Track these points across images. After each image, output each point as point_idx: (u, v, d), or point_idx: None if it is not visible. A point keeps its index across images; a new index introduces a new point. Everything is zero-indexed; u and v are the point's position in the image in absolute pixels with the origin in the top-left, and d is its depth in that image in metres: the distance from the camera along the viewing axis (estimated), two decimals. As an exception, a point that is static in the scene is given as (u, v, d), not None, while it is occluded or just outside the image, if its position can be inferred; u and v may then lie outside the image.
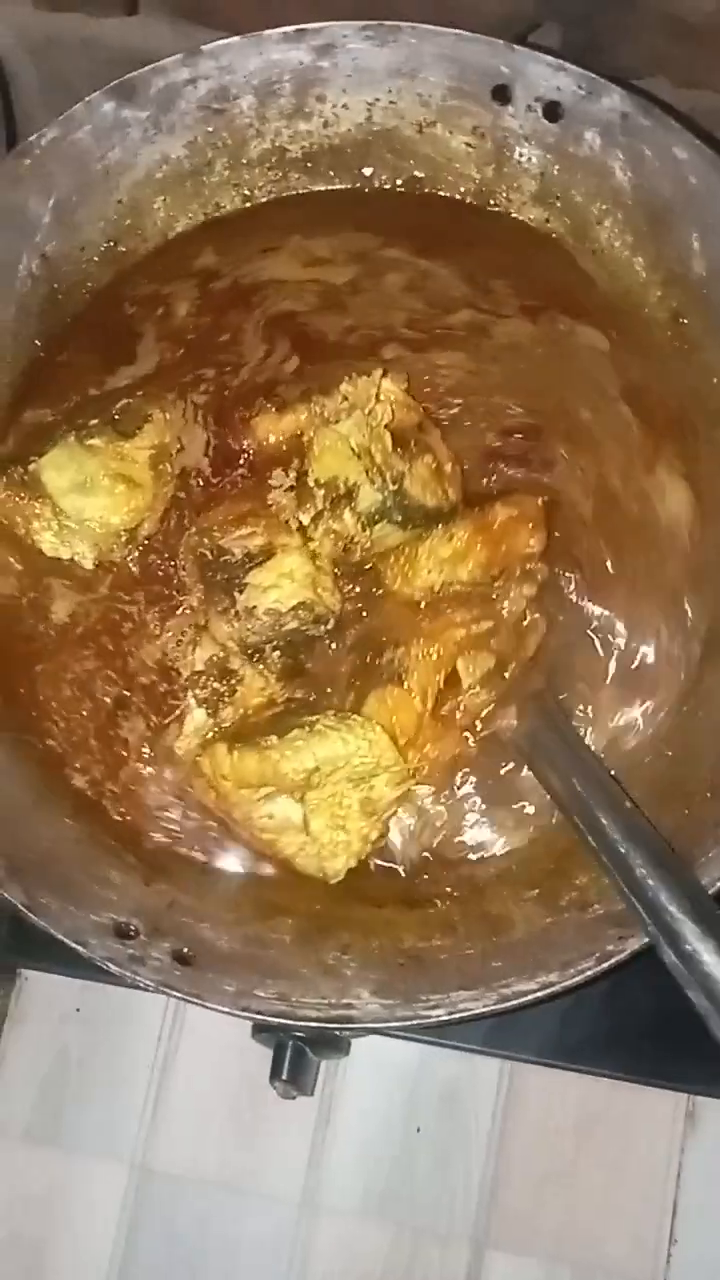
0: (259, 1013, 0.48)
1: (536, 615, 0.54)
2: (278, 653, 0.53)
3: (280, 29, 0.57)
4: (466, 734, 0.53)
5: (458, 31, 0.56)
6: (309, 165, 0.62)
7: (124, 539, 0.55)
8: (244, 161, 0.61)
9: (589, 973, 0.47)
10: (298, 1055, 0.67)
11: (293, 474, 0.55)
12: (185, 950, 0.50)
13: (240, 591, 0.52)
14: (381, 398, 0.54)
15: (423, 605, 0.53)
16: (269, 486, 0.55)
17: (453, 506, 0.54)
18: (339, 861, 0.52)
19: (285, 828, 0.52)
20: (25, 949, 0.75)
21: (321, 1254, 0.79)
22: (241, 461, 0.57)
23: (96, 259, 0.61)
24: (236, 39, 0.57)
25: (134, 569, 0.56)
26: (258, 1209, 0.79)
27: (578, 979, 0.47)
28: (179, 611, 0.55)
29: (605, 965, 0.47)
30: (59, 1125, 0.81)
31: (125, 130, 0.58)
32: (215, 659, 0.53)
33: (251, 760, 0.50)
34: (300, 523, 0.54)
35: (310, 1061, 0.68)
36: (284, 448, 0.55)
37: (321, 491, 0.53)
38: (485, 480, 0.57)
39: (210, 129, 0.60)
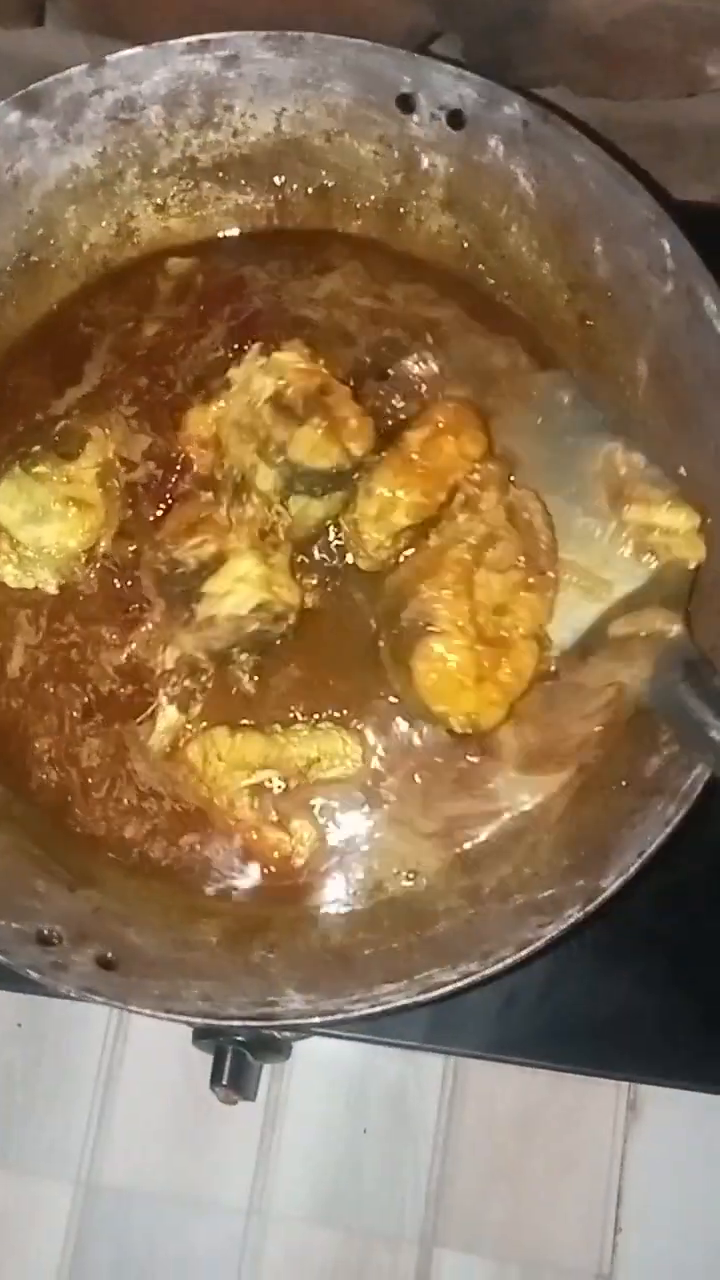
0: (183, 1014, 0.48)
1: (523, 495, 0.54)
2: (244, 655, 0.55)
3: (185, 39, 0.58)
4: (533, 641, 0.52)
5: (360, 41, 0.57)
6: (220, 174, 0.63)
7: (83, 559, 0.57)
8: (155, 171, 0.62)
9: (508, 960, 0.48)
10: (238, 1060, 0.67)
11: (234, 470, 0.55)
12: (109, 955, 0.50)
13: (198, 602, 0.54)
14: (266, 372, 0.54)
15: (402, 558, 0.54)
16: (210, 489, 0.56)
17: (356, 461, 0.54)
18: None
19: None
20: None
21: (272, 1261, 0.79)
22: (180, 466, 0.58)
23: (9, 269, 0.61)
24: (141, 49, 0.58)
25: (94, 588, 0.57)
26: (206, 1219, 0.79)
27: (497, 967, 0.48)
28: (142, 624, 0.56)
29: (524, 953, 0.48)
30: (4, 1144, 0.80)
31: (33, 140, 0.58)
32: (185, 657, 0.55)
33: (257, 742, 0.53)
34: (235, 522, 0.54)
35: (251, 1066, 0.68)
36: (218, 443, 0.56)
37: (230, 482, 0.53)
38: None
39: (119, 139, 0.60)
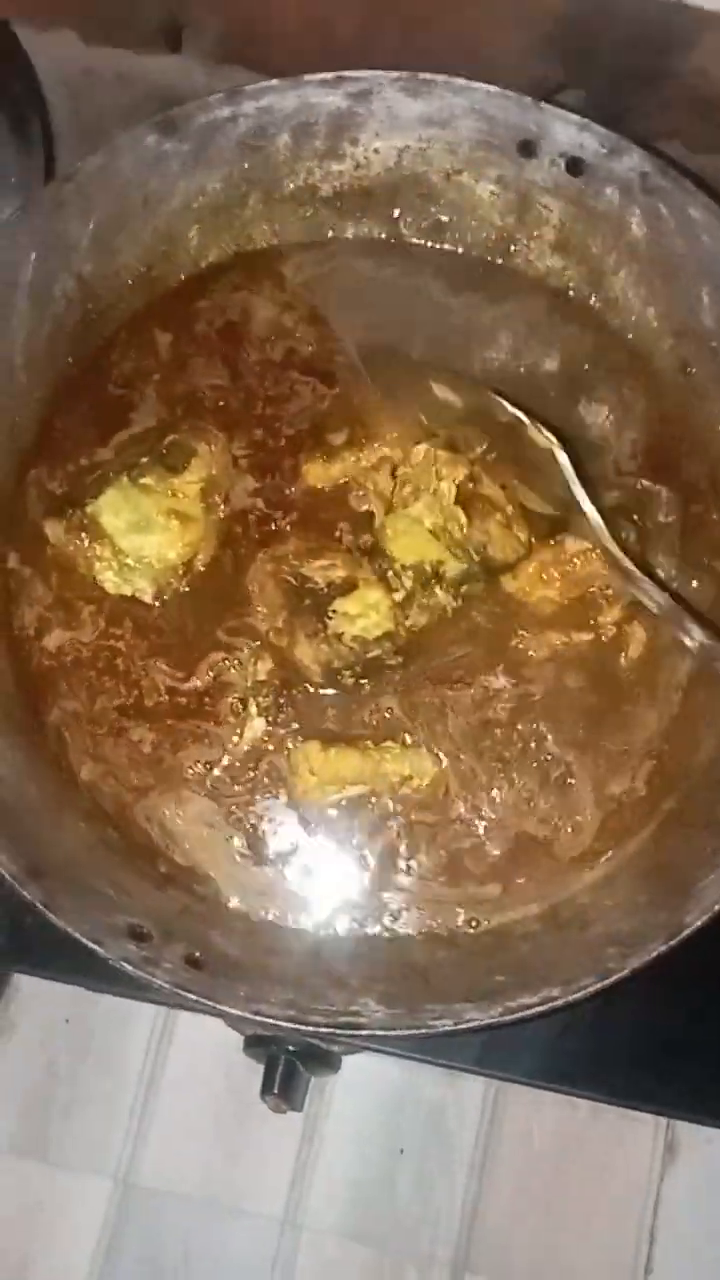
0: (270, 1017, 0.49)
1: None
2: (353, 678, 0.56)
3: (320, 74, 0.60)
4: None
5: (489, 87, 0.59)
6: (339, 205, 0.65)
7: (180, 572, 0.58)
8: (276, 197, 0.64)
9: (591, 988, 0.49)
10: (289, 1070, 0.68)
11: (364, 537, 0.58)
12: (196, 954, 0.51)
13: (330, 617, 0.55)
14: (443, 475, 0.57)
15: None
16: (332, 531, 0.58)
17: (526, 547, 0.57)
18: None
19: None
20: (22, 954, 0.76)
21: (302, 1272, 0.79)
22: (290, 500, 0.60)
23: (131, 283, 0.63)
24: (277, 81, 0.60)
25: (188, 599, 0.58)
26: (240, 1226, 0.80)
27: (580, 994, 0.49)
28: (236, 632, 0.58)
29: (607, 981, 0.49)
30: (45, 1138, 0.81)
31: (165, 162, 0.60)
32: (276, 672, 0.56)
33: (352, 758, 0.54)
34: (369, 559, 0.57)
35: (302, 1077, 0.69)
36: (331, 490, 0.59)
37: (409, 573, 0.56)
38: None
39: (246, 165, 0.62)
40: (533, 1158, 0.81)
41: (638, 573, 0.53)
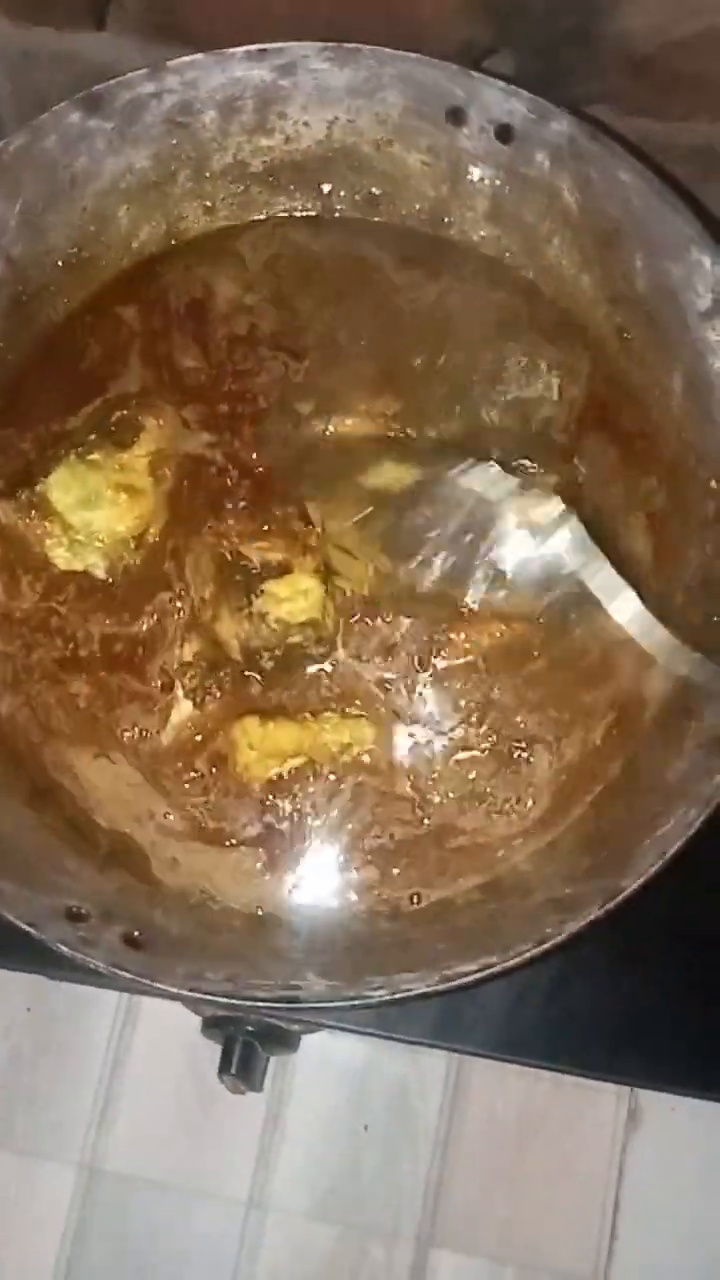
0: (208, 992, 0.49)
1: None
2: (272, 662, 0.56)
3: (244, 48, 0.59)
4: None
5: (415, 55, 0.59)
6: (270, 179, 0.64)
7: (132, 545, 0.58)
8: (206, 174, 0.63)
9: (527, 954, 0.49)
10: (247, 1050, 0.68)
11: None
12: (135, 934, 0.51)
13: (257, 596, 0.55)
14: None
15: None
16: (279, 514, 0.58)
17: None
18: None
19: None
20: (-23, 944, 0.75)
21: (269, 1254, 0.80)
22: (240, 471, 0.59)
23: (61, 264, 0.62)
24: (201, 55, 0.59)
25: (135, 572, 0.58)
26: (206, 1209, 0.80)
27: (516, 960, 0.48)
28: (172, 610, 0.57)
29: (544, 947, 0.49)
30: (9, 1127, 0.81)
31: (91, 140, 0.60)
32: (203, 653, 0.56)
33: (291, 730, 0.54)
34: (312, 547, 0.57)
35: (259, 1057, 0.69)
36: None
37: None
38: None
39: (174, 142, 0.61)
40: (496, 1131, 0.81)
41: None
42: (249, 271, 0.64)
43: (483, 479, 0.56)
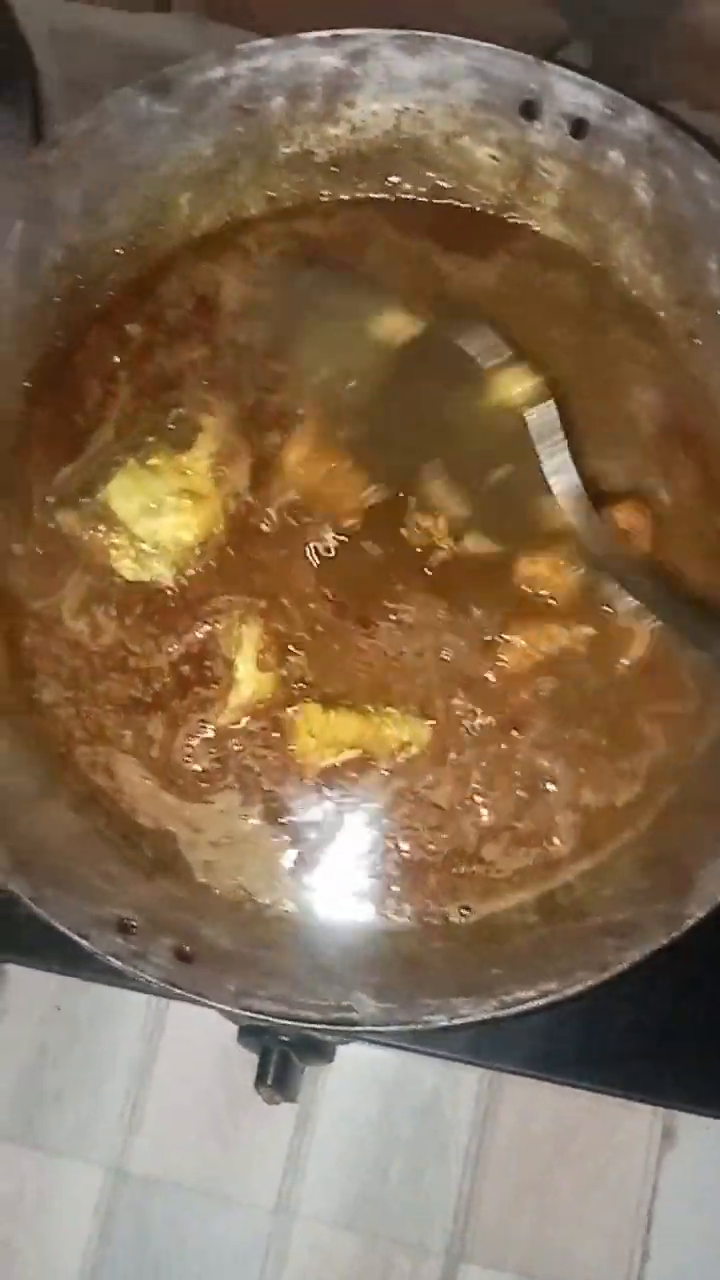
0: (261, 1012, 0.48)
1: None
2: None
3: (316, 33, 0.57)
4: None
5: (490, 45, 0.57)
6: (334, 170, 0.62)
7: (197, 552, 0.56)
8: (270, 164, 0.62)
9: (589, 982, 0.47)
10: (283, 1061, 0.66)
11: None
12: (185, 948, 0.50)
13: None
14: None
15: None
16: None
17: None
18: None
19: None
20: (12, 944, 0.74)
21: (295, 1261, 0.79)
22: None
23: (120, 252, 0.61)
24: (271, 40, 0.57)
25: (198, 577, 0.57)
26: (232, 1214, 0.79)
27: (577, 988, 0.47)
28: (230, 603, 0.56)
29: (605, 975, 0.47)
30: (35, 1125, 0.80)
31: (155, 125, 0.58)
32: (265, 634, 0.55)
33: (352, 721, 0.53)
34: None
35: (296, 1068, 0.68)
36: None
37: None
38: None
39: (240, 129, 0.60)
40: (528, 1145, 0.80)
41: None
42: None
43: (479, 343, 0.55)
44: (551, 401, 0.55)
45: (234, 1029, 0.65)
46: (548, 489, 0.55)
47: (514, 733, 0.55)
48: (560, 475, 0.54)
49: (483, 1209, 0.79)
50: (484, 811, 0.55)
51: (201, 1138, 0.80)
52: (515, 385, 0.56)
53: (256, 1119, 0.79)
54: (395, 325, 0.58)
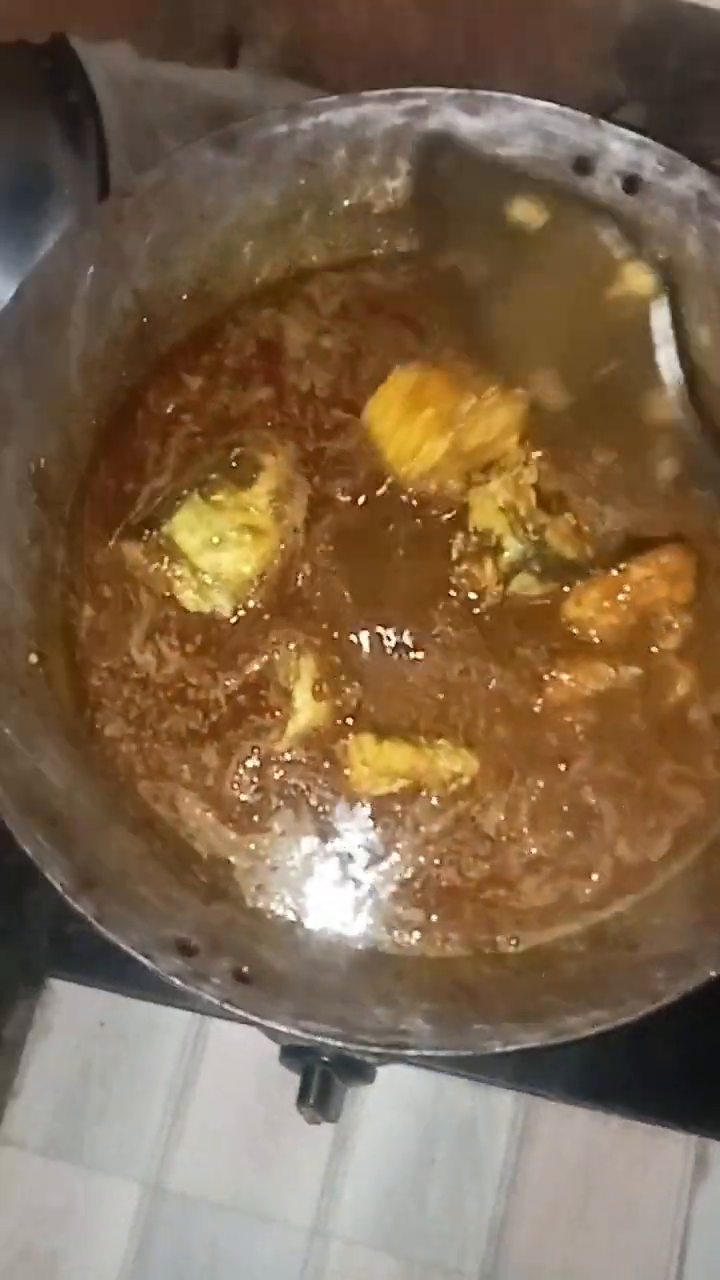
0: (318, 1034, 0.49)
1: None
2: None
3: (378, 91, 0.60)
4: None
5: (546, 104, 0.59)
6: (391, 222, 0.65)
7: (256, 585, 0.58)
8: (331, 214, 0.64)
9: (640, 1012, 0.49)
10: (325, 1081, 0.68)
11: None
12: (244, 969, 0.51)
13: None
14: (529, 464, 0.58)
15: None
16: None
17: (590, 561, 0.58)
18: None
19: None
20: (61, 960, 0.77)
21: (331, 1282, 0.80)
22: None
23: (185, 297, 0.63)
24: (335, 98, 0.60)
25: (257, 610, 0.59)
26: (269, 1233, 0.80)
27: (629, 1017, 0.49)
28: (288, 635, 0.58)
29: (656, 1005, 0.49)
30: (78, 1140, 0.82)
31: (222, 177, 0.61)
32: (321, 666, 0.57)
33: (405, 752, 0.55)
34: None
35: (338, 1088, 0.69)
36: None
37: (472, 537, 0.58)
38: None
39: (302, 181, 0.62)
40: (563, 1171, 0.81)
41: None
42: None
43: (607, 234, 0.57)
44: (667, 297, 0.56)
45: (275, 1048, 0.67)
46: (651, 383, 0.57)
47: (562, 767, 0.57)
48: (669, 367, 0.56)
49: (517, 1234, 0.80)
50: (532, 844, 0.56)
51: (240, 1156, 0.81)
52: (635, 278, 0.57)
53: (295, 1139, 0.80)
54: (528, 213, 0.59)
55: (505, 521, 0.57)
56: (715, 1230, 0.80)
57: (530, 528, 0.57)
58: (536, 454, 0.59)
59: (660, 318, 0.56)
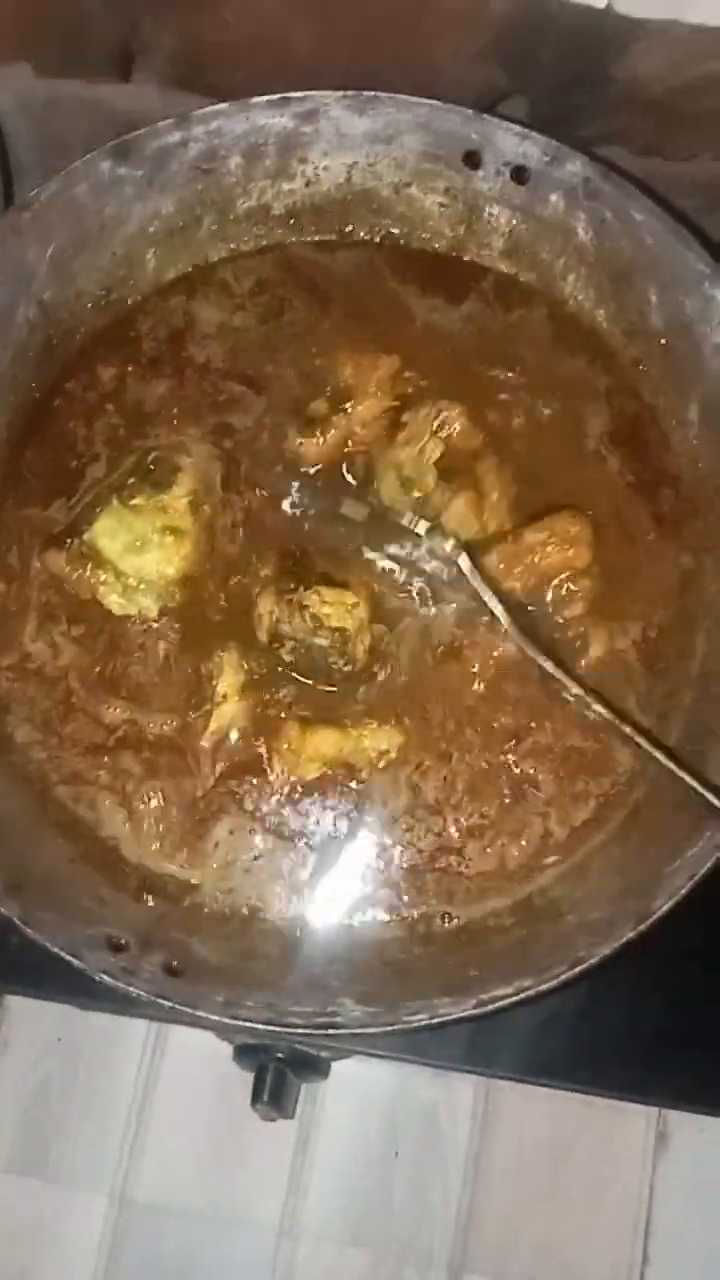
0: (249, 1020, 0.50)
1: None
2: (292, 655, 0.57)
3: (266, 96, 0.61)
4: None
5: (432, 102, 0.60)
6: (292, 222, 0.66)
7: (183, 584, 0.59)
8: (231, 218, 0.65)
9: (562, 977, 0.49)
10: (279, 1078, 0.68)
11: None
12: (175, 963, 0.52)
13: (307, 588, 0.57)
14: (439, 429, 0.59)
15: None
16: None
17: (487, 536, 0.59)
18: None
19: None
20: (11, 974, 0.76)
21: (303, 1279, 0.80)
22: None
23: (90, 307, 0.64)
24: (225, 105, 0.61)
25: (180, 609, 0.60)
26: (238, 1236, 0.80)
27: (551, 983, 0.49)
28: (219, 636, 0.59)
29: (578, 970, 0.50)
30: (41, 1155, 0.82)
31: (121, 187, 0.62)
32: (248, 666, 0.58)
33: (332, 735, 0.56)
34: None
35: (291, 1084, 0.70)
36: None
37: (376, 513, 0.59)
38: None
39: (200, 187, 0.63)
40: (526, 1154, 0.81)
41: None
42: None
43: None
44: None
45: (230, 1051, 0.67)
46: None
47: (488, 739, 0.58)
48: (494, 607, 0.56)
49: (485, 1219, 0.81)
50: (461, 816, 0.57)
51: (204, 1162, 0.82)
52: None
53: (258, 1140, 0.81)
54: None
55: (405, 500, 0.58)
56: (677, 1201, 0.81)
57: (426, 510, 0.58)
58: (455, 411, 0.59)
59: (468, 569, 0.56)
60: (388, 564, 0.59)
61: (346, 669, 0.57)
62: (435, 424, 0.59)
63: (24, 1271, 0.80)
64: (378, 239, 0.66)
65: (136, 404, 0.63)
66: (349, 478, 0.61)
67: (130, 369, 0.64)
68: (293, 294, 0.65)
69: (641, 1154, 0.82)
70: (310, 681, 0.58)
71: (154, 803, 0.57)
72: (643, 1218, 0.81)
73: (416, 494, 0.58)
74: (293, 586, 0.57)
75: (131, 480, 0.60)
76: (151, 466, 0.60)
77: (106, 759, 0.57)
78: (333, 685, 0.58)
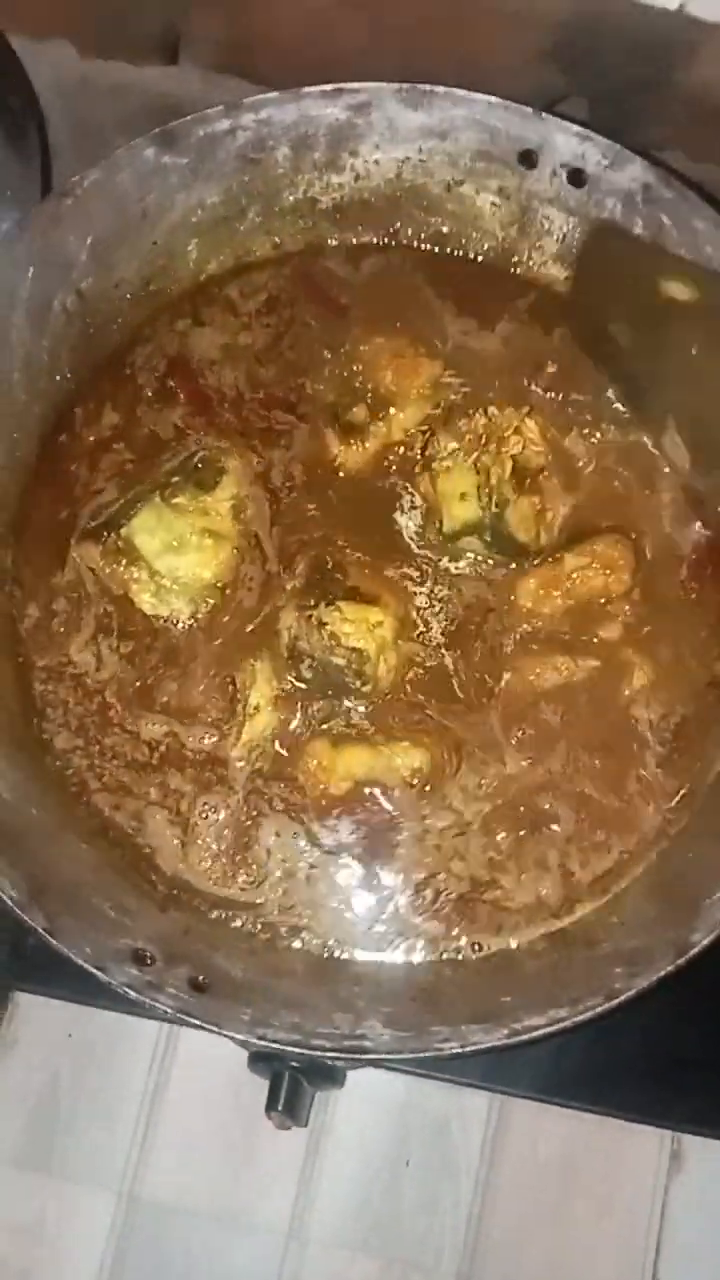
0: (275, 1041, 0.49)
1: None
2: (310, 671, 0.56)
3: (319, 86, 0.59)
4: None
5: (489, 98, 0.59)
6: (338, 217, 0.64)
7: (219, 588, 0.58)
8: (276, 210, 0.63)
9: (598, 1009, 0.48)
10: (294, 1086, 0.67)
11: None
12: (200, 978, 0.51)
13: (328, 605, 0.55)
14: (520, 432, 0.58)
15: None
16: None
17: (540, 550, 0.58)
18: None
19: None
20: (24, 972, 0.75)
21: (308, 1286, 0.79)
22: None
23: (129, 297, 0.62)
24: (276, 94, 0.59)
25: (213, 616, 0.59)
26: (245, 1239, 0.79)
27: (587, 1015, 0.48)
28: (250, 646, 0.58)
29: (614, 1003, 0.49)
30: (49, 1152, 0.81)
31: (164, 175, 0.60)
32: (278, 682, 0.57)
33: (362, 753, 0.55)
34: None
35: (306, 1092, 0.68)
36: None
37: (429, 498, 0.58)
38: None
39: (246, 178, 0.62)
40: (538, 1168, 0.80)
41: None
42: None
43: None
44: None
45: (245, 1055, 0.66)
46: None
47: (523, 763, 0.56)
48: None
49: (493, 1233, 0.80)
50: (494, 842, 0.56)
51: (213, 1163, 0.81)
52: None
53: (268, 1144, 0.80)
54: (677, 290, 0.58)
55: (473, 482, 0.57)
56: (691, 1223, 0.80)
57: (495, 498, 0.57)
58: (530, 421, 0.58)
59: None
60: (426, 581, 0.58)
61: (365, 689, 0.56)
62: (515, 424, 0.58)
63: (28, 1268, 0.79)
64: (421, 243, 0.64)
65: (169, 410, 0.62)
66: (395, 483, 0.60)
67: (162, 374, 0.63)
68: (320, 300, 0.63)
69: (654, 1173, 0.81)
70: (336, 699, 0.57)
71: (207, 819, 0.56)
72: (654, 1237, 0.79)
73: (485, 490, 0.57)
74: (313, 602, 0.55)
75: (176, 479, 0.58)
76: (198, 465, 0.58)
77: (155, 775, 0.56)
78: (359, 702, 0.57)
